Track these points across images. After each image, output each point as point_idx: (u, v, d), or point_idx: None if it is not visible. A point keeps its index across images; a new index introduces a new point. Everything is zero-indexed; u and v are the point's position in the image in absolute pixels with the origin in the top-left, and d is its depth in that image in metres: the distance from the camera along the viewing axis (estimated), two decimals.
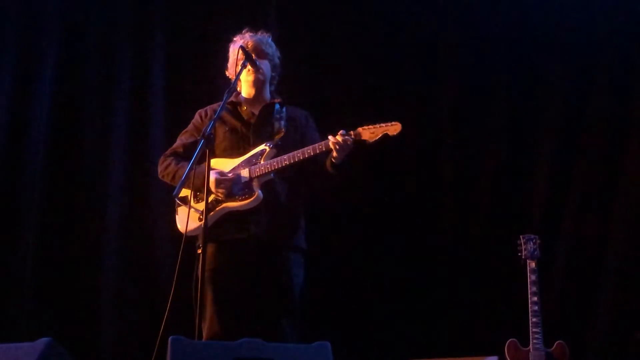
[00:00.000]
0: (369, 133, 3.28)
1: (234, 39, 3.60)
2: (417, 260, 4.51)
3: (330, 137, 3.28)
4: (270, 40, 3.60)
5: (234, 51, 3.53)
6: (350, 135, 3.28)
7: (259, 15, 4.62)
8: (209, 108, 3.63)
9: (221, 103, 3.25)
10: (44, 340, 2.56)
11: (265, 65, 3.53)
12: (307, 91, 4.46)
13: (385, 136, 3.26)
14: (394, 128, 3.25)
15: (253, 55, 3.44)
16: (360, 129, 3.29)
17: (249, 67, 3.44)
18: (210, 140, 3.06)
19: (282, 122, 3.51)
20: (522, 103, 4.60)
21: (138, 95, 4.70)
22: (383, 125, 3.27)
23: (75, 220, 4.51)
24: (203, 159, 3.12)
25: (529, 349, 3.69)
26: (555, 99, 4.54)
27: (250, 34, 3.57)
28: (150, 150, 4.59)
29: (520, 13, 4.63)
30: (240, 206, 3.35)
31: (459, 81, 4.70)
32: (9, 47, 4.58)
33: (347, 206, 4.55)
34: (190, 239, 3.29)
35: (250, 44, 3.50)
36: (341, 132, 3.28)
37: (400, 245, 4.54)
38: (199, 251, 3.04)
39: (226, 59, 3.62)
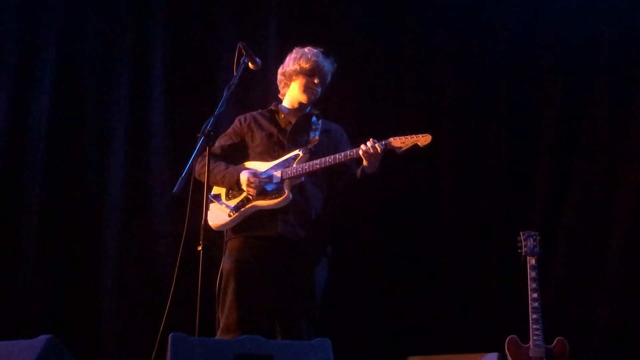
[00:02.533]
0: (400, 142, 3.36)
1: (305, 49, 3.65)
2: (417, 256, 4.51)
3: (362, 145, 3.36)
4: (333, 70, 3.69)
5: (297, 60, 3.61)
6: (382, 143, 3.36)
7: (260, 23, 4.69)
8: (248, 114, 3.74)
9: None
10: (44, 337, 2.57)
11: (319, 90, 3.66)
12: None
13: (415, 146, 3.34)
14: (424, 139, 3.33)
15: (316, 77, 3.58)
16: (391, 139, 3.37)
17: (305, 82, 3.58)
18: (210, 136, 3.15)
19: (317, 133, 3.62)
20: (522, 101, 4.59)
21: (138, 94, 4.70)
22: (414, 136, 3.35)
23: (75, 216, 4.50)
24: (230, 159, 3.49)
25: (529, 346, 3.69)
26: (555, 95, 4.54)
27: (323, 56, 3.65)
28: (151, 147, 4.61)
29: (520, 13, 4.63)
30: (270, 205, 3.43)
31: (460, 80, 4.70)
32: (9, 47, 4.58)
33: (347, 202, 4.54)
34: (190, 237, 3.30)
35: (320, 67, 3.60)
36: (371, 139, 3.36)
37: (400, 242, 4.53)
38: (199, 248, 3.04)
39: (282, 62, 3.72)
